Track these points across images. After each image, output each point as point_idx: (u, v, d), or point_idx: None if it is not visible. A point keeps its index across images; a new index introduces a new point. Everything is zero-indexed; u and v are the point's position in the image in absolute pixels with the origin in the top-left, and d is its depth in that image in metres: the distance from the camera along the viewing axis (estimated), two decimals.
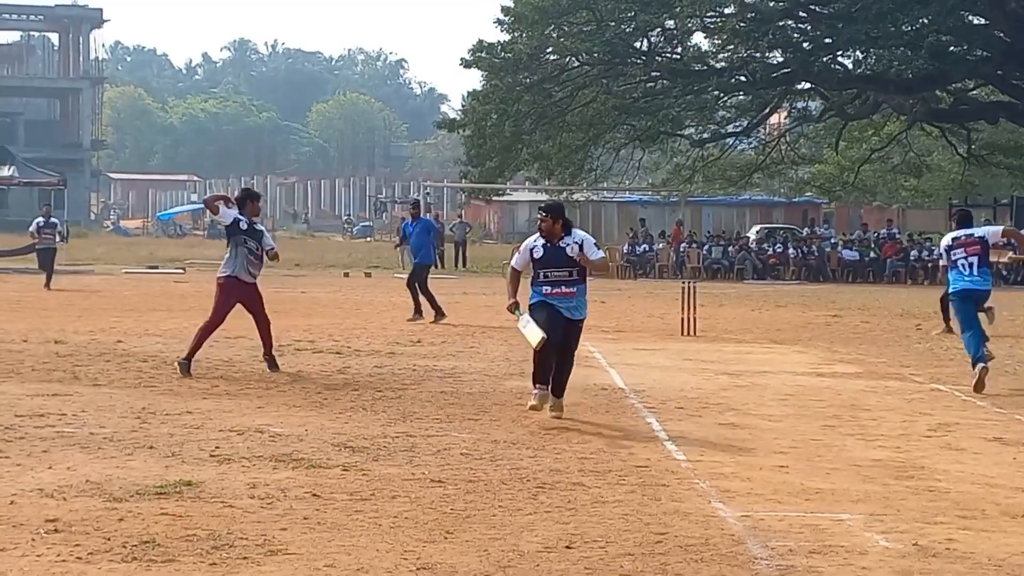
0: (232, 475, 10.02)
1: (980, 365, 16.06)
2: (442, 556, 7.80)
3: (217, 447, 11.18)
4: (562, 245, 13.39)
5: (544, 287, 13.40)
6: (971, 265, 16.85)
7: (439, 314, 24.80)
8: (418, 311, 25.12)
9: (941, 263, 17.96)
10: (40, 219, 36.30)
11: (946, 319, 24.03)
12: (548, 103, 53.24)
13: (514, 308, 13.45)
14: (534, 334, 13.02)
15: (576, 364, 13.85)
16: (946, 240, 17.44)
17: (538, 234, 13.52)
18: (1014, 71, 51.76)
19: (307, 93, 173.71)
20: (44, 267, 35.05)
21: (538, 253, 13.46)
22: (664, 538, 8.37)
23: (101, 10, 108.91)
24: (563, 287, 13.32)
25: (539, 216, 13.72)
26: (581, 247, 13.35)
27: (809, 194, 69.79)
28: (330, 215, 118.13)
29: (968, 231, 17.21)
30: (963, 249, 16.94)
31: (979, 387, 15.90)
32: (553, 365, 13.21)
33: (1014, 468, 11.21)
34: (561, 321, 13.23)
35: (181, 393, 14.58)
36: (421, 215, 28.16)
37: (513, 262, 13.92)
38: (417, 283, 25.32)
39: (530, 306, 13.37)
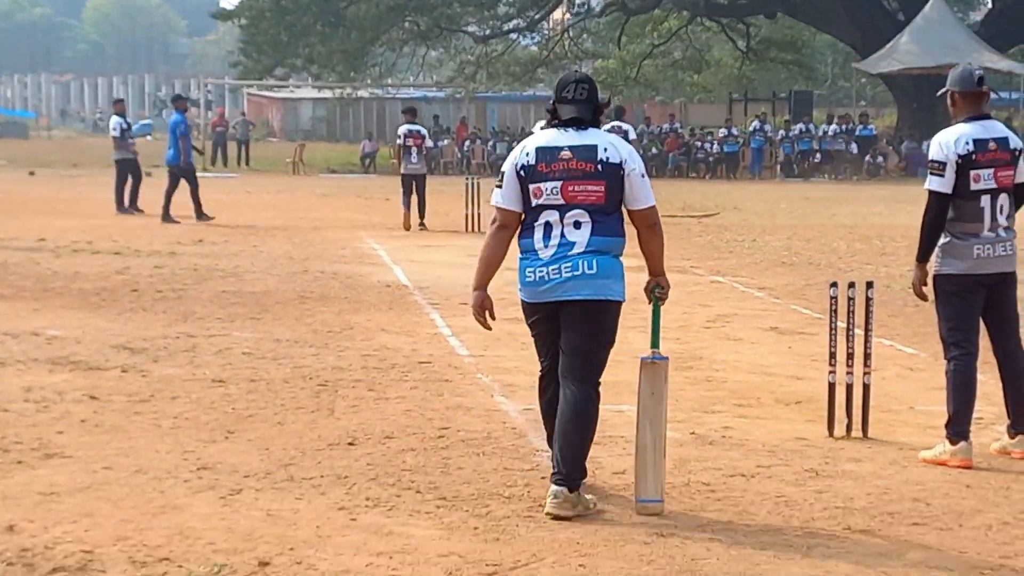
0: (6, 379, 9.78)
1: None
2: (223, 456, 7.72)
3: None
4: (591, 143, 6.57)
5: (532, 239, 6.67)
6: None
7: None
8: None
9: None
10: None
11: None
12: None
13: (487, 313, 6.85)
14: None
15: (360, 262, 11.47)
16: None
17: (540, 129, 6.74)
18: None
19: None
20: None
21: (527, 160, 6.57)
22: (447, 432, 8.40)
23: None
24: (570, 230, 6.66)
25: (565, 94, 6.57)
26: (623, 162, 6.61)
27: None
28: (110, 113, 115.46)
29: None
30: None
31: None
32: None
33: (789, 357, 11.49)
34: (552, 313, 6.85)
35: None
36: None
37: (494, 199, 6.76)
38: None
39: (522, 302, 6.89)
